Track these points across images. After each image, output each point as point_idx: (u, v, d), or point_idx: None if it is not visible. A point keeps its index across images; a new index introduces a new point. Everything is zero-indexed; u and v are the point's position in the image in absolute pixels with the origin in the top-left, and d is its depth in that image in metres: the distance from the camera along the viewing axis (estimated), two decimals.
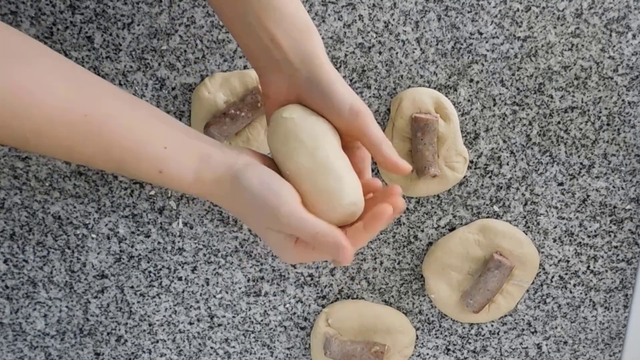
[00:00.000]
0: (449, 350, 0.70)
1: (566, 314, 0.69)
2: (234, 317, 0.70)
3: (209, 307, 0.69)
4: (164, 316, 0.70)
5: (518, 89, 0.65)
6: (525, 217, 0.67)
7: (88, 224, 0.67)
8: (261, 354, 0.71)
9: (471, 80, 0.65)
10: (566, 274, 0.68)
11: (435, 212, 0.67)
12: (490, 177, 0.67)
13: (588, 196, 0.67)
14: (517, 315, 0.69)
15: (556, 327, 0.70)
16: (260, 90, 0.61)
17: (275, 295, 0.69)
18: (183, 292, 0.69)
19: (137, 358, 0.71)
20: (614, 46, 0.64)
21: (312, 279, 0.69)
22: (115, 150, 0.45)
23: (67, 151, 0.45)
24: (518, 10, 0.63)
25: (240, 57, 0.64)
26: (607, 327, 0.70)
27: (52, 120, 0.42)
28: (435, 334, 0.70)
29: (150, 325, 0.70)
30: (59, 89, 0.43)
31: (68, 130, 0.43)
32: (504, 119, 0.65)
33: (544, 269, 0.68)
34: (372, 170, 0.66)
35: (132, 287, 0.69)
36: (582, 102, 0.65)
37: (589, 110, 0.65)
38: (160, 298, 0.69)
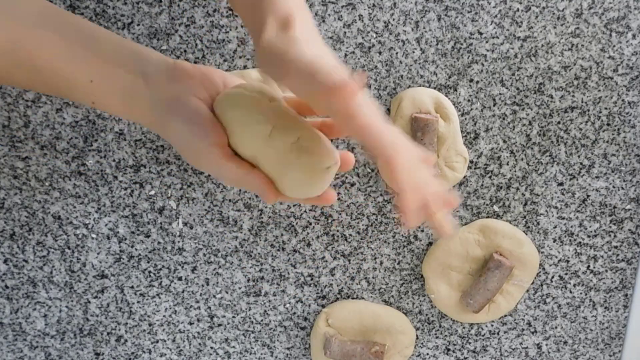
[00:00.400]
0: (449, 350, 0.70)
1: (566, 314, 0.69)
2: (234, 317, 0.70)
3: (209, 307, 0.69)
4: (164, 316, 0.70)
5: (518, 89, 0.65)
6: (525, 217, 0.67)
7: (88, 224, 0.67)
8: (261, 354, 0.71)
9: (471, 80, 0.65)
10: (566, 274, 0.68)
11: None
12: (490, 177, 0.67)
13: (588, 196, 0.67)
14: (517, 315, 0.69)
15: (556, 327, 0.70)
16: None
17: (275, 295, 0.69)
18: (183, 292, 0.69)
19: (137, 358, 0.71)
20: (614, 46, 0.64)
21: (312, 279, 0.69)
22: (49, 77, 0.47)
23: (5, 76, 0.47)
24: (518, 10, 0.63)
25: (240, 57, 0.64)
26: (607, 327, 0.70)
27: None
28: (435, 334, 0.70)
29: (150, 325, 0.70)
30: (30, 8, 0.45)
31: (1, 56, 0.45)
32: (504, 119, 0.65)
33: (544, 269, 0.68)
34: (372, 170, 0.66)
35: (132, 287, 0.69)
36: (582, 102, 0.65)
37: (589, 110, 0.65)
38: (160, 298, 0.69)
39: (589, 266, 0.68)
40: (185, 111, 0.48)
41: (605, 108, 0.65)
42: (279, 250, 0.68)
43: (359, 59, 0.64)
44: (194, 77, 0.49)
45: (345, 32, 0.64)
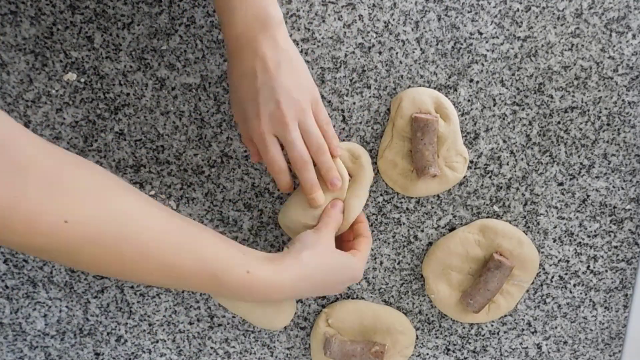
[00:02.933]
0: (449, 350, 0.70)
1: (566, 314, 0.69)
2: (234, 317, 0.70)
3: (209, 307, 0.69)
4: (164, 316, 0.70)
5: (518, 89, 0.65)
6: (525, 217, 0.67)
7: None
8: (261, 354, 0.71)
9: (471, 80, 0.65)
10: (566, 274, 0.68)
11: (435, 212, 0.67)
12: (490, 177, 0.67)
13: (588, 196, 0.67)
14: (517, 315, 0.69)
15: (556, 327, 0.70)
16: None
17: None
18: (183, 292, 0.69)
19: (137, 358, 0.71)
20: (614, 46, 0.64)
21: None
22: (208, 260, 0.49)
23: (168, 270, 0.48)
24: (518, 10, 0.63)
25: None
26: (607, 327, 0.70)
27: (156, 239, 0.46)
28: (435, 334, 0.70)
29: (150, 325, 0.70)
30: (157, 213, 0.47)
31: (171, 247, 0.47)
32: (504, 119, 0.65)
33: (544, 269, 0.68)
34: (373, 170, 0.66)
35: (132, 287, 0.69)
36: (582, 102, 0.65)
37: (589, 110, 0.65)
38: (160, 298, 0.69)
39: (589, 266, 0.68)
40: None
41: (605, 108, 0.65)
42: (279, 250, 0.68)
43: (359, 59, 0.64)
44: None
45: (345, 32, 0.64)
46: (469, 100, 0.65)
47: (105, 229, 0.43)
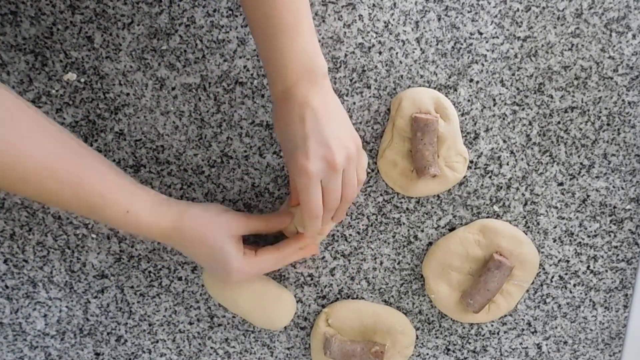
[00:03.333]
0: (449, 350, 0.70)
1: (566, 314, 0.69)
2: (234, 317, 0.70)
3: (209, 307, 0.69)
4: (164, 316, 0.70)
5: (518, 89, 0.65)
6: (525, 217, 0.67)
7: (88, 224, 0.67)
8: (261, 354, 0.71)
9: (471, 80, 0.65)
10: (566, 274, 0.68)
11: (435, 212, 0.67)
12: (490, 177, 0.67)
13: (588, 196, 0.67)
14: (517, 315, 0.69)
15: (556, 327, 0.70)
16: None
17: None
18: (183, 292, 0.69)
19: (137, 358, 0.71)
20: (614, 46, 0.64)
21: (312, 279, 0.69)
22: (91, 196, 0.53)
23: (48, 196, 0.52)
24: (518, 10, 0.63)
25: (240, 57, 0.64)
26: (607, 327, 0.70)
27: (38, 169, 0.50)
28: (435, 334, 0.70)
29: (150, 325, 0.70)
30: (44, 142, 0.51)
31: (52, 178, 0.51)
32: (504, 119, 0.65)
33: (544, 269, 0.68)
34: (372, 170, 0.66)
35: (132, 287, 0.69)
36: (582, 102, 0.65)
37: (589, 110, 0.65)
38: (160, 298, 0.69)
39: (589, 266, 0.68)
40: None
41: (605, 108, 0.65)
42: None
43: (359, 59, 0.64)
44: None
45: (345, 32, 0.64)
46: (469, 100, 0.65)
47: None
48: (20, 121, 0.50)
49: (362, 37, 0.64)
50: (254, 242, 0.67)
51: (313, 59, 0.54)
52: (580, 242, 0.68)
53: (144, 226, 0.57)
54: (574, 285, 0.69)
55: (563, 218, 0.67)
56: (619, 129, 0.65)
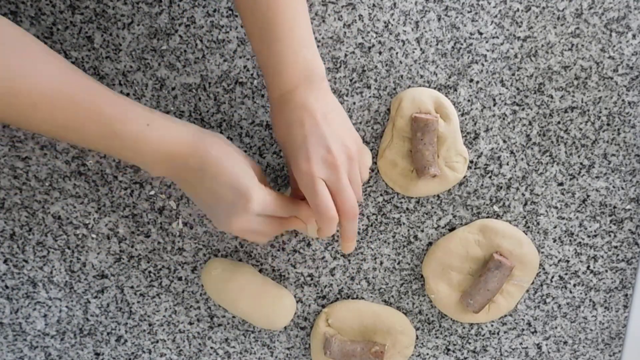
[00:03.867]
0: (449, 350, 0.70)
1: (566, 314, 0.69)
2: (234, 317, 0.70)
3: (209, 307, 0.69)
4: (164, 316, 0.70)
5: (518, 89, 0.65)
6: (525, 217, 0.67)
7: (88, 224, 0.67)
8: (261, 354, 0.71)
9: (471, 80, 0.65)
10: (566, 274, 0.68)
11: (435, 212, 0.67)
12: (490, 177, 0.67)
13: (588, 196, 0.67)
14: (517, 315, 0.69)
15: (556, 327, 0.70)
16: None
17: None
18: (183, 292, 0.69)
19: (137, 358, 0.71)
20: (614, 46, 0.64)
21: (312, 279, 0.69)
22: (112, 110, 0.51)
23: (61, 124, 0.50)
24: (518, 10, 0.63)
25: (240, 57, 0.64)
26: (607, 327, 0.70)
27: (46, 95, 0.48)
28: (435, 334, 0.70)
29: (150, 325, 0.70)
30: (52, 71, 0.49)
31: (62, 102, 0.49)
32: (504, 119, 0.65)
33: (544, 269, 0.68)
34: (372, 170, 0.66)
35: (132, 287, 0.69)
36: (582, 102, 0.65)
37: (589, 110, 0.65)
38: (160, 298, 0.69)
39: (589, 266, 0.68)
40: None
41: (605, 108, 0.65)
42: (279, 250, 0.68)
43: (359, 59, 0.64)
44: None
45: (345, 32, 0.64)
46: (469, 100, 0.65)
47: None
48: (28, 48, 0.49)
49: (362, 37, 0.64)
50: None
51: (311, 64, 0.54)
52: (580, 242, 0.68)
53: (167, 140, 0.53)
54: (574, 285, 0.69)
55: (563, 218, 0.67)
56: (619, 129, 0.65)
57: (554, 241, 0.68)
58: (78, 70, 0.52)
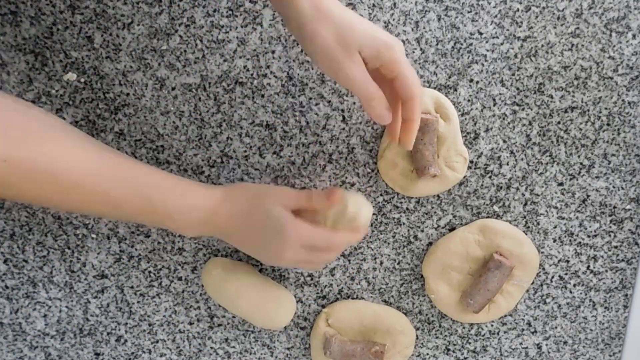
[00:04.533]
0: (449, 350, 0.70)
1: (566, 314, 0.69)
2: (234, 317, 0.70)
3: (209, 307, 0.69)
4: (164, 316, 0.70)
5: (518, 89, 0.65)
6: (525, 217, 0.67)
7: (88, 224, 0.67)
8: (261, 354, 0.71)
9: (471, 80, 0.65)
10: (566, 274, 0.68)
11: (435, 212, 0.67)
12: (490, 177, 0.67)
13: (588, 196, 0.67)
14: (517, 315, 0.69)
15: (556, 327, 0.70)
16: None
17: None
18: (183, 292, 0.69)
19: (137, 358, 0.71)
20: (614, 46, 0.64)
21: (312, 279, 0.69)
22: (142, 185, 0.54)
23: (100, 198, 0.52)
24: (518, 10, 0.63)
25: (240, 57, 0.64)
26: (607, 327, 0.70)
27: (88, 174, 0.51)
28: (435, 334, 0.70)
29: (150, 325, 0.70)
30: (91, 152, 0.52)
31: (103, 177, 0.52)
32: (504, 119, 0.65)
33: (544, 269, 0.68)
34: (372, 170, 0.66)
35: (132, 287, 0.69)
36: (582, 102, 0.65)
37: (589, 110, 0.65)
38: (160, 298, 0.69)
39: (589, 266, 0.68)
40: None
41: (605, 108, 0.65)
42: None
43: None
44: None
45: None
46: (469, 100, 0.65)
47: (39, 166, 0.48)
48: (66, 133, 0.51)
49: None
50: None
51: None
52: (580, 242, 0.68)
53: (200, 205, 0.57)
54: (574, 285, 0.69)
55: (563, 218, 0.67)
56: (619, 129, 0.65)
57: (554, 241, 0.68)
58: (113, 149, 0.55)
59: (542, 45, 0.64)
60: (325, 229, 0.59)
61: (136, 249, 0.68)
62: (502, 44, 0.64)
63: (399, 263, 0.68)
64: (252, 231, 0.58)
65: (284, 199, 0.58)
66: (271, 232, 0.57)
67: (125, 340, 0.70)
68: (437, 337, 0.70)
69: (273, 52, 0.64)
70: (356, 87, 0.54)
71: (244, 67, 0.64)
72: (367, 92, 0.54)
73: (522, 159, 0.66)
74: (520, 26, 0.63)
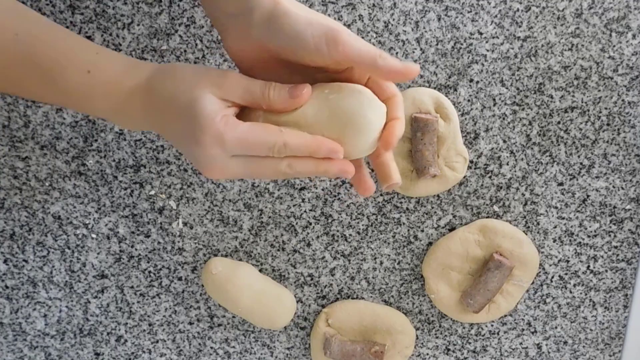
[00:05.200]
0: (449, 350, 0.70)
1: (566, 314, 0.69)
2: (234, 317, 0.70)
3: (209, 307, 0.69)
4: (164, 316, 0.70)
5: (518, 89, 0.65)
6: (525, 217, 0.67)
7: (88, 224, 0.67)
8: (261, 354, 0.71)
9: (471, 80, 0.65)
10: (566, 274, 0.68)
11: (435, 212, 0.67)
12: (490, 177, 0.67)
13: (588, 196, 0.67)
14: (517, 315, 0.69)
15: (556, 327, 0.70)
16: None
17: None
18: (183, 292, 0.69)
19: (137, 358, 0.71)
20: (614, 46, 0.64)
21: (312, 279, 0.69)
22: (45, 61, 0.45)
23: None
24: (518, 10, 0.63)
25: None
26: (607, 327, 0.70)
27: None
28: (435, 334, 0.70)
29: (150, 325, 0.70)
30: None
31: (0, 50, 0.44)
32: (504, 119, 0.65)
33: (544, 269, 0.68)
34: (372, 170, 0.66)
35: (132, 287, 0.69)
36: (582, 102, 0.65)
37: (589, 110, 0.65)
38: (160, 298, 0.69)
39: (589, 266, 0.68)
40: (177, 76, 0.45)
41: (605, 108, 0.65)
42: (279, 250, 0.68)
43: None
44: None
45: None
46: (469, 100, 0.65)
47: None
48: None
49: (362, 37, 0.64)
50: None
51: None
52: (580, 242, 0.68)
53: (109, 89, 0.45)
54: (574, 285, 0.69)
55: (563, 218, 0.67)
56: (619, 129, 0.65)
57: (554, 241, 0.68)
58: (13, 8, 0.46)
59: (542, 45, 0.64)
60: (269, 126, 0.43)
61: (136, 249, 0.68)
62: (502, 44, 0.64)
63: (399, 263, 0.68)
64: (173, 132, 0.45)
65: (224, 87, 0.43)
66: (188, 134, 0.43)
67: (125, 340, 0.70)
68: (437, 337, 0.70)
69: None
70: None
71: None
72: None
73: (522, 159, 0.66)
74: (520, 26, 0.63)
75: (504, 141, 0.66)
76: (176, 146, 0.47)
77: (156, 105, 0.45)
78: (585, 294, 0.69)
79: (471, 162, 0.66)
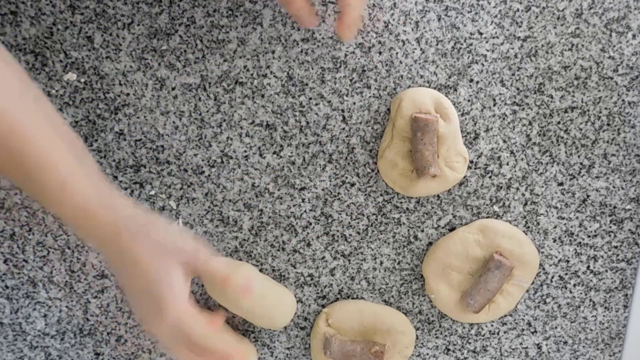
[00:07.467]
0: (449, 350, 0.70)
1: (566, 314, 0.69)
2: (234, 317, 0.70)
3: (209, 308, 0.69)
4: None
5: (518, 89, 0.65)
6: (525, 217, 0.67)
7: None
8: (261, 354, 0.71)
9: (471, 80, 0.65)
10: (566, 274, 0.68)
11: (435, 212, 0.67)
12: (490, 177, 0.67)
13: (588, 196, 0.67)
14: (517, 315, 0.69)
15: (556, 327, 0.70)
16: None
17: None
18: None
19: (137, 358, 0.71)
20: (614, 46, 0.64)
21: (312, 279, 0.69)
22: (24, 157, 0.45)
23: None
24: (518, 10, 0.63)
25: (240, 57, 0.64)
26: (607, 327, 0.70)
27: None
28: (435, 334, 0.70)
29: None
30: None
31: None
32: (504, 119, 0.65)
33: (544, 269, 0.68)
34: (372, 170, 0.66)
35: None
36: (582, 102, 0.65)
37: (589, 110, 0.65)
38: None
39: (589, 266, 0.68)
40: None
41: (605, 108, 0.65)
42: (279, 250, 0.68)
43: (359, 59, 0.64)
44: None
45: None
46: (469, 100, 0.65)
47: None
48: None
49: (362, 37, 0.64)
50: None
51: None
52: (580, 242, 0.68)
53: (81, 205, 0.46)
54: (574, 285, 0.69)
55: (563, 218, 0.67)
56: (619, 129, 0.66)
57: (554, 241, 0.68)
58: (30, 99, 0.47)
59: (542, 45, 0.64)
60: (211, 335, 0.50)
61: None
62: (502, 44, 0.64)
63: (399, 263, 0.69)
64: (130, 281, 0.48)
65: (192, 258, 0.49)
66: (149, 297, 0.47)
67: (125, 340, 0.70)
68: (437, 337, 0.70)
69: (273, 52, 0.64)
70: None
71: (244, 67, 0.64)
72: None
73: (522, 159, 0.66)
74: (520, 26, 0.63)
75: (504, 141, 0.66)
76: (130, 296, 0.51)
77: (120, 257, 0.48)
78: (585, 294, 0.69)
79: (471, 162, 0.66)
